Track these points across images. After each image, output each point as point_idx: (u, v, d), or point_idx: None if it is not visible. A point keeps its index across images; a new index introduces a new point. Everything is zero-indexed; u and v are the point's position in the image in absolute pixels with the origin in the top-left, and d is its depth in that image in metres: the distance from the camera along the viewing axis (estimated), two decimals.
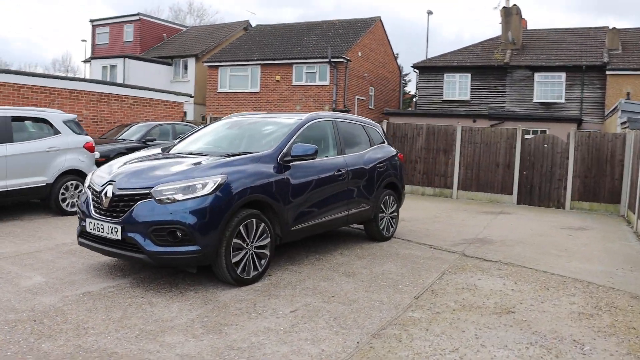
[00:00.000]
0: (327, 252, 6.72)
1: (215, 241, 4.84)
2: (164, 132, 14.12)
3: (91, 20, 34.47)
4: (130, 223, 4.82)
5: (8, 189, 8.05)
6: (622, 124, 14.39)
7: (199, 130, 6.97)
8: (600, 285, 5.67)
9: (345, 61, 25.27)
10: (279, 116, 6.66)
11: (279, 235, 5.61)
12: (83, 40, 33.71)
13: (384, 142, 7.89)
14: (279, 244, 5.73)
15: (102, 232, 5.01)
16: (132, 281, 5.20)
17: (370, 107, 28.71)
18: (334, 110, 25.44)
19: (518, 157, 13.02)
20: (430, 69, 25.49)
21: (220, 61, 28.28)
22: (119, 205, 4.94)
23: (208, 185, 4.86)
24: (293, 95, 26.89)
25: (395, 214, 7.79)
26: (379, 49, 29.63)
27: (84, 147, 9.30)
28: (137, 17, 32.95)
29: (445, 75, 25.09)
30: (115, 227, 4.89)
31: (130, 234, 4.81)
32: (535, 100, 22.68)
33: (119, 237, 4.87)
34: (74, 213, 8.47)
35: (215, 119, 7.01)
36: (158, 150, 6.59)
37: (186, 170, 5.07)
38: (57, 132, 8.98)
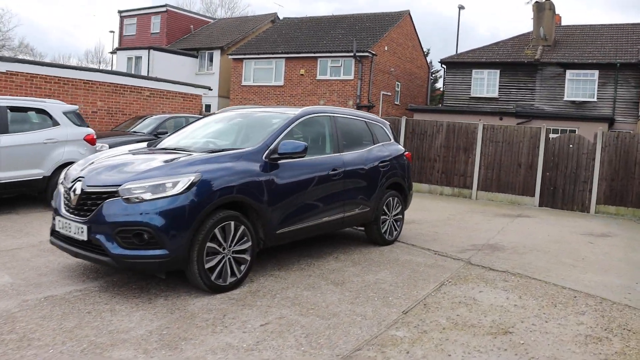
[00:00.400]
0: (322, 256, 6.31)
1: (185, 245, 4.47)
2: (178, 125, 13.87)
3: (119, 11, 34.69)
4: (96, 223, 4.50)
5: (2, 182, 7.87)
6: None
7: (190, 124, 6.63)
8: (615, 303, 5.11)
9: (370, 55, 24.71)
10: (273, 110, 6.26)
11: (262, 239, 5.22)
12: (111, 32, 33.96)
13: (390, 140, 7.41)
14: (263, 249, 5.34)
15: (70, 231, 4.70)
16: (103, 284, 4.89)
17: (396, 102, 28.07)
18: (358, 105, 24.97)
19: (541, 157, 12.33)
20: (458, 65, 24.72)
21: (245, 54, 28.03)
22: (87, 204, 4.62)
23: (179, 184, 4.50)
24: (317, 90, 26.46)
25: (400, 216, 7.31)
26: (406, 43, 28.93)
27: (84, 139, 9.08)
28: (164, 9, 32.98)
29: (474, 71, 24.28)
30: (81, 227, 4.57)
31: (96, 235, 4.48)
32: (565, 98, 21.72)
33: (85, 238, 4.55)
34: None
35: (206, 114, 6.66)
36: (144, 145, 6.26)
37: (159, 167, 4.71)
38: (56, 123, 8.78)
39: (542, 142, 12.33)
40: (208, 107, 28.93)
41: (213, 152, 5.19)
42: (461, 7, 32.32)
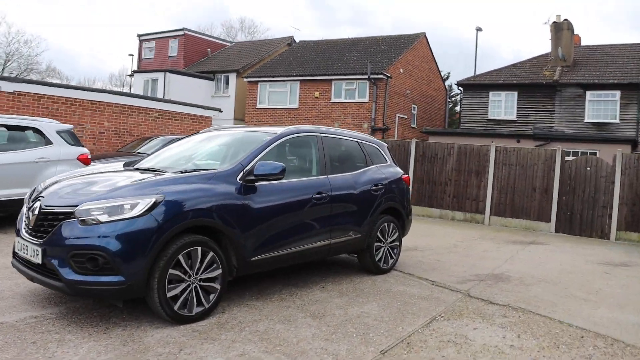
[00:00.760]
0: (307, 285, 5.87)
1: (144, 271, 4.10)
2: None
3: (138, 35, 35.18)
4: (51, 246, 4.17)
5: None
6: None
7: (174, 144, 6.33)
8: (628, 345, 4.55)
9: (385, 78, 24.42)
10: (258, 130, 5.91)
11: (235, 267, 4.82)
12: (130, 55, 34.44)
13: (386, 162, 6.99)
14: (237, 277, 4.94)
15: (27, 254, 4.38)
16: (63, 311, 4.53)
17: (412, 125, 27.66)
18: (372, 128, 24.64)
19: (557, 180, 11.75)
20: (474, 87, 24.25)
21: (260, 76, 28.02)
22: (44, 225, 4.30)
23: (138, 205, 4.15)
24: (332, 112, 26.22)
25: (397, 243, 6.85)
26: (423, 66, 28.62)
27: (77, 159, 8.86)
28: (181, 32, 33.34)
29: (491, 93, 23.77)
30: (37, 250, 4.25)
31: (50, 259, 4.15)
32: (586, 120, 21.03)
33: (40, 261, 4.22)
34: None
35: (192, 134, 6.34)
36: (120, 164, 5.95)
37: (120, 187, 4.37)
38: (48, 142, 8.59)
39: (557, 164, 11.77)
40: None
41: (185, 172, 4.85)
42: (479, 29, 32.00)
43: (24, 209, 4.77)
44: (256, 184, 5.00)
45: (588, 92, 21.06)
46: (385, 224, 6.60)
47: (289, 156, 5.81)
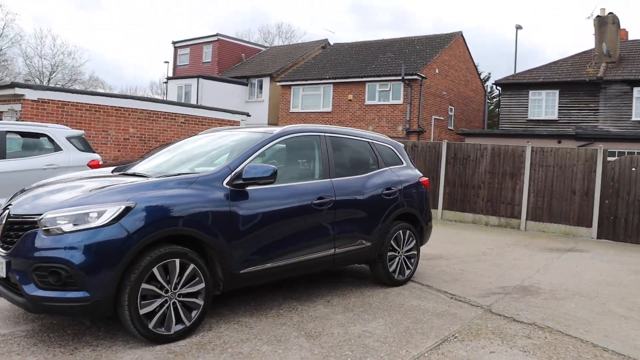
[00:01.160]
0: (311, 299, 5.38)
1: (111, 287, 3.71)
2: None
3: (173, 42, 35.54)
4: (15, 257, 3.83)
5: None
6: None
7: (167, 147, 5.97)
8: None
9: (420, 78, 23.70)
10: (255, 130, 5.46)
11: (222, 280, 4.39)
12: (166, 62, 34.78)
13: (402, 164, 6.43)
14: (225, 292, 4.49)
15: None
16: (35, 328, 4.20)
17: (449, 127, 26.80)
18: (407, 130, 23.96)
19: (599, 182, 10.86)
20: (513, 86, 23.22)
21: (293, 80, 27.74)
22: (10, 235, 3.97)
23: (105, 213, 3.76)
24: (365, 115, 25.68)
25: (414, 252, 6.27)
26: (459, 66, 27.71)
27: (87, 165, 8.65)
28: (215, 38, 33.46)
29: (531, 92, 22.70)
30: (1, 262, 3.92)
31: (14, 272, 3.81)
32: (634, 118, 19.73)
33: (4, 275, 3.90)
34: None
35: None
36: (109, 169, 5.61)
37: (89, 194, 4.00)
38: (58, 148, 8.43)
39: (599, 165, 10.88)
40: None
41: (167, 176, 4.46)
42: (519, 27, 30.78)
43: None
44: (247, 189, 4.57)
45: (635, 89, 19.77)
46: (400, 231, 6.03)
47: (287, 158, 5.37)
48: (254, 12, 73.20)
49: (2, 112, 13.57)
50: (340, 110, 26.46)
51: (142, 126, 15.14)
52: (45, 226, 3.73)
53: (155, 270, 3.90)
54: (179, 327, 4.05)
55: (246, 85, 31.11)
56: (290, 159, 5.41)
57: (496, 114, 38.43)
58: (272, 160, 5.19)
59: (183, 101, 28.66)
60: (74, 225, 3.70)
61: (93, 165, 8.74)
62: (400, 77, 23.72)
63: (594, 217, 10.93)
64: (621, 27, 22.89)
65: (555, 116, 21.78)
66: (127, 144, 14.80)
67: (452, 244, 9.29)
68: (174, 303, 4.03)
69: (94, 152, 9.12)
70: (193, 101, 28.37)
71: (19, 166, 7.83)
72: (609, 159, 11.10)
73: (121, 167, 5.63)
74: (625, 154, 16.13)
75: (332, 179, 5.32)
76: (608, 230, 10.78)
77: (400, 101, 24.51)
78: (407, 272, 6.17)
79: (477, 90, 30.06)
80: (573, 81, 21.18)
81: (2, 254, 3.93)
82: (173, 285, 4.02)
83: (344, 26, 73.95)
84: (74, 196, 3.99)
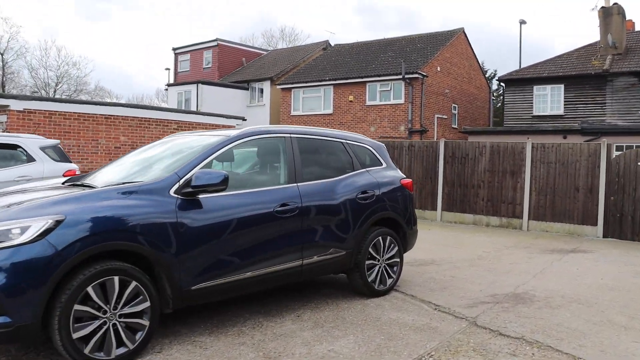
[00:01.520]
0: (281, 313, 4.96)
1: (37, 310, 3.33)
2: None
3: (173, 49, 35.32)
4: None
5: None
6: None
7: (127, 154, 5.58)
8: None
9: (421, 77, 23.20)
10: (211, 133, 5.06)
11: (170, 298, 3.98)
12: (166, 69, 34.59)
13: (381, 165, 5.98)
14: (176, 309, 4.08)
15: None
16: None
17: (453, 126, 26.24)
18: (409, 130, 23.45)
19: (603, 178, 10.33)
20: (517, 82, 22.66)
21: (293, 83, 27.38)
22: None
23: (30, 229, 3.37)
24: (367, 116, 25.23)
25: (396, 259, 5.81)
26: (462, 63, 27.16)
27: (63, 175, 8.29)
28: (215, 43, 33.20)
29: (535, 87, 22.12)
30: None
31: None
32: None
33: None
34: None
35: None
36: (60, 180, 5.23)
37: (16, 208, 3.62)
38: (31, 159, 8.09)
39: (603, 161, 10.35)
40: None
41: (109, 186, 4.06)
42: (522, 22, 30.19)
43: None
44: (201, 197, 4.17)
45: None
46: (380, 237, 5.59)
47: (248, 162, 4.96)
48: (260, 17, 73.02)
49: None
50: (341, 112, 26.04)
51: (134, 134, 14.82)
52: None
53: (90, 289, 3.51)
54: (122, 350, 3.65)
55: (247, 89, 30.80)
56: (252, 163, 5.01)
57: (502, 111, 37.82)
58: (231, 165, 4.78)
59: (184, 107, 28.41)
60: None
61: (69, 175, 8.38)
62: (400, 76, 23.25)
63: (599, 215, 10.39)
64: (627, 18, 22.25)
65: (561, 111, 21.18)
66: (119, 153, 14.46)
67: (447, 247, 8.82)
68: (114, 325, 3.63)
69: (71, 162, 8.78)
70: (193, 107, 28.09)
71: None
72: (617, 153, 10.55)
73: (77, 177, 5.25)
74: (634, 148, 15.54)
75: (299, 184, 4.90)
76: (614, 229, 10.23)
77: (402, 101, 24.02)
78: (389, 281, 5.72)
79: (481, 87, 29.47)
80: (578, 75, 20.59)
81: None
82: (112, 305, 3.62)
83: (350, 28, 73.47)
84: (2, 210, 3.60)
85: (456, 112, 26.72)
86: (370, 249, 5.47)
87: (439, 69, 24.80)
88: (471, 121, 27.80)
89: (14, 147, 8.07)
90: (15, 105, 12.63)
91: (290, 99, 27.78)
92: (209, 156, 4.40)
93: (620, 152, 10.67)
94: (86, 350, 3.49)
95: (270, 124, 29.44)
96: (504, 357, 3.97)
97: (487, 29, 68.63)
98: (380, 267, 5.61)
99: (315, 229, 4.93)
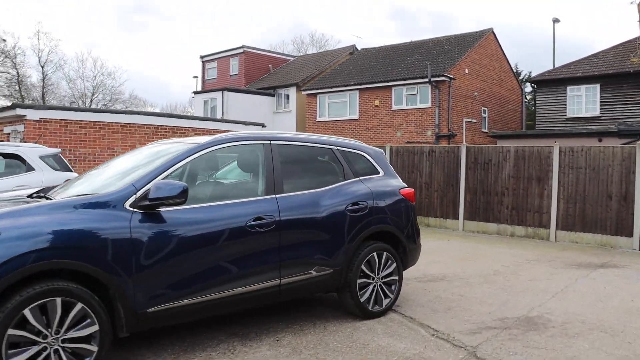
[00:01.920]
0: (260, 336, 4.50)
1: None
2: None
3: (201, 57, 35.45)
4: None
5: None
6: None
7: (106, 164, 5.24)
8: None
9: (448, 80, 22.48)
10: (183, 141, 4.64)
11: (123, 321, 3.57)
12: (194, 77, 34.73)
13: (378, 174, 5.45)
14: (130, 334, 3.67)
15: None
16: None
17: (483, 130, 25.34)
18: (437, 135, 22.73)
19: (639, 184, 9.50)
20: (549, 83, 21.68)
21: (318, 88, 27.01)
22: None
23: None
24: (393, 121, 24.63)
25: (394, 277, 5.27)
26: (491, 64, 26.25)
27: None
28: (241, 50, 33.15)
29: (569, 88, 21.10)
30: None
31: None
32: None
33: None
34: None
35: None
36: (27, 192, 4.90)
37: None
38: (30, 168, 7.92)
39: (638, 165, 9.53)
40: None
41: (60, 199, 3.70)
42: (556, 20, 29.07)
43: None
44: (163, 211, 3.76)
45: None
46: (375, 253, 5.06)
47: (221, 172, 4.53)
48: (294, 24, 73.16)
49: (8, 134, 13.37)
50: (367, 117, 25.52)
51: (150, 142, 14.63)
52: None
53: (27, 312, 3.17)
54: None
55: (273, 96, 30.57)
56: (226, 173, 4.57)
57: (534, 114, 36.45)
58: (200, 176, 4.36)
59: (209, 115, 28.37)
60: None
61: None
62: (427, 80, 22.59)
63: (635, 224, 9.56)
64: None
65: (597, 112, 20.12)
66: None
67: (463, 261, 8.19)
68: (56, 351, 3.28)
69: (71, 171, 8.57)
70: (219, 115, 28.02)
71: None
72: None
73: (48, 188, 4.93)
74: None
75: (278, 195, 4.44)
76: None
77: (429, 105, 23.33)
78: (386, 301, 5.18)
79: (513, 89, 28.43)
80: (615, 73, 19.51)
81: None
82: (54, 329, 3.26)
83: (384, 33, 72.75)
84: None
85: (486, 115, 25.82)
86: (363, 266, 4.96)
87: (467, 71, 24.00)
88: (502, 125, 26.82)
89: (13, 156, 7.90)
90: (31, 115, 12.63)
91: (316, 104, 27.41)
92: (173, 166, 4.00)
93: None
94: None
95: (296, 130, 29.10)
96: None
97: (523, 30, 66.88)
98: (375, 286, 5.09)
99: (296, 245, 4.46)
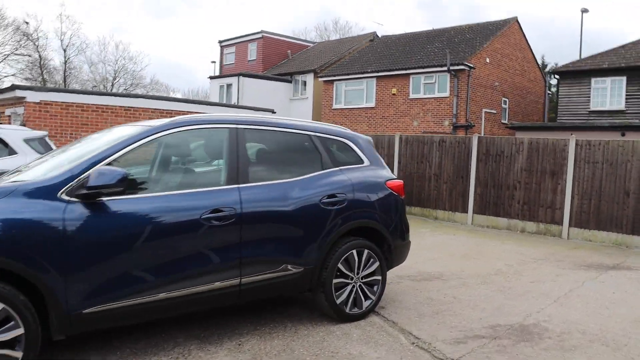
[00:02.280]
0: (221, 339, 4.12)
1: None
2: None
3: (219, 42, 35.09)
4: None
5: None
6: None
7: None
8: None
9: (467, 69, 21.74)
10: (138, 124, 4.24)
11: (55, 323, 3.22)
12: (212, 62, 34.36)
13: (362, 163, 4.99)
14: (64, 338, 3.32)
15: None
16: None
17: (503, 121, 24.55)
18: (454, 125, 22.06)
19: None
20: (573, 74, 20.79)
21: (335, 75, 26.47)
22: None
23: None
24: (410, 110, 24.00)
25: (377, 277, 4.82)
26: (514, 54, 25.35)
27: None
28: (260, 35, 32.68)
29: (593, 80, 20.20)
30: None
31: None
32: None
33: None
34: None
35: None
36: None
37: None
38: (12, 152, 7.64)
39: None
40: None
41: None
42: (584, 10, 27.95)
43: None
44: (107, 201, 3.39)
45: None
46: (354, 250, 4.63)
47: (178, 159, 4.13)
48: (324, 12, 72.43)
49: (9, 116, 13.20)
50: (383, 105, 24.93)
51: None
52: None
53: None
54: None
55: (290, 82, 30.08)
56: (184, 159, 4.17)
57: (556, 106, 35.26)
58: (151, 163, 3.97)
59: (224, 101, 28.05)
60: None
61: None
62: (445, 68, 21.88)
63: None
64: None
65: (622, 106, 19.24)
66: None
67: (465, 258, 7.70)
68: None
69: None
70: (234, 100, 27.68)
71: None
72: None
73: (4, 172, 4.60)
74: None
75: (241, 185, 4.02)
76: None
77: (447, 94, 22.65)
78: (366, 303, 4.75)
79: (536, 80, 27.48)
80: None
81: None
82: None
83: (413, 23, 71.65)
84: None
85: (507, 106, 25.01)
86: (340, 265, 4.53)
87: (487, 60, 23.20)
88: (523, 116, 25.97)
89: None
90: (31, 97, 12.40)
91: (332, 91, 26.90)
92: (119, 150, 3.61)
93: None
94: None
95: (313, 118, 28.63)
96: None
97: (553, 22, 65.03)
98: (354, 287, 4.66)
99: (261, 240, 4.05)
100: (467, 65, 21.70)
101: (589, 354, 4.08)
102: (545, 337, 4.41)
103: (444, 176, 11.99)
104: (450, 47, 23.75)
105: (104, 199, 3.40)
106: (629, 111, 18.98)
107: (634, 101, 18.88)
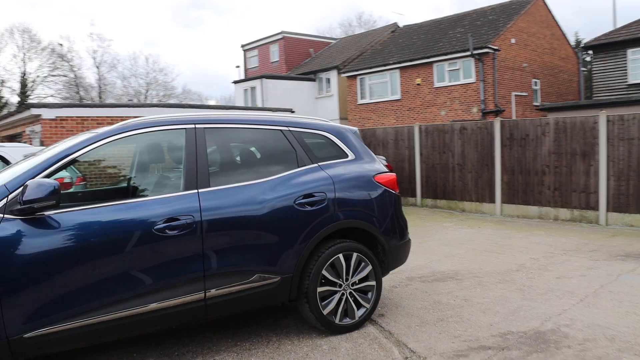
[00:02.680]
0: (196, 357, 3.71)
1: None
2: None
3: (242, 46, 34.97)
4: None
5: None
6: None
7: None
8: None
9: (491, 51, 20.81)
10: (90, 132, 3.87)
11: None
12: (237, 67, 34.24)
13: (346, 157, 4.47)
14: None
15: None
16: None
17: (534, 103, 23.44)
18: (483, 112, 21.16)
19: None
20: (607, 47, 19.61)
21: (358, 70, 25.90)
22: None
23: None
24: (436, 99, 23.21)
25: (370, 283, 4.32)
26: (542, 32, 24.17)
27: None
28: (280, 36, 32.40)
29: (629, 51, 18.99)
30: None
31: None
32: None
33: None
34: None
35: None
36: None
37: None
38: None
39: None
40: None
41: None
42: None
43: None
44: (46, 215, 3.04)
45: None
46: (341, 255, 4.14)
47: (132, 165, 3.73)
48: (346, 8, 71.93)
49: (28, 134, 13.25)
50: (409, 97, 24.20)
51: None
52: None
53: None
54: None
55: (314, 80, 29.66)
56: (137, 166, 3.78)
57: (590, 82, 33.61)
58: (95, 171, 3.58)
59: (250, 104, 27.87)
60: None
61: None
62: (468, 52, 21.01)
63: None
64: None
65: None
66: None
67: (486, 253, 7.08)
68: None
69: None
70: (259, 103, 27.46)
71: None
72: None
73: None
74: None
75: (201, 190, 3.59)
76: None
77: (473, 79, 21.75)
78: (360, 312, 4.25)
79: (568, 58, 26.15)
80: None
81: None
82: None
83: (441, 9, 70.34)
84: None
85: (538, 87, 23.85)
86: (324, 272, 4.05)
87: (513, 41, 22.15)
88: (557, 97, 24.74)
89: None
90: (47, 114, 12.41)
91: (356, 86, 26.34)
92: (58, 162, 3.27)
93: None
94: None
95: (340, 115, 28.13)
96: None
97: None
98: (343, 295, 4.17)
99: (227, 250, 3.62)
100: (491, 47, 20.77)
101: None
102: (563, 347, 3.81)
103: (468, 165, 11.32)
104: (472, 31, 22.84)
105: (46, 213, 3.06)
106: None
107: None
